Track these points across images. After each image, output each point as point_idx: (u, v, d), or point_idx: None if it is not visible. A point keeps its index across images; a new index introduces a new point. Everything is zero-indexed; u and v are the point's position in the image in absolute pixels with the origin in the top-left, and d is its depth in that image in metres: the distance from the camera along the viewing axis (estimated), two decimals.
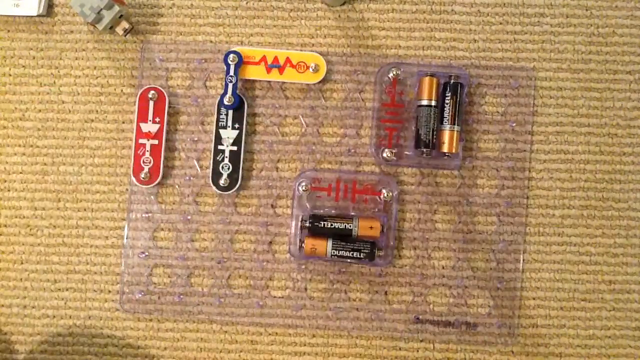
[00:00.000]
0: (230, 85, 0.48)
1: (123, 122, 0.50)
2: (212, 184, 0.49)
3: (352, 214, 0.48)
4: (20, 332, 0.49)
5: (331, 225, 0.47)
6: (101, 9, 0.48)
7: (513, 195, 0.49)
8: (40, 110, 0.50)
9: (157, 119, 0.49)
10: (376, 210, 0.48)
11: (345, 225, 0.47)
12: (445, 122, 0.47)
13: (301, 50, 0.50)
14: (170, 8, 0.51)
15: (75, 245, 0.49)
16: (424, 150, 0.47)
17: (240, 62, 0.48)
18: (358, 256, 0.46)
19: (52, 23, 0.51)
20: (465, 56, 0.50)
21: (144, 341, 0.49)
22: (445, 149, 0.47)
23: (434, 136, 0.47)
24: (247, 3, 0.51)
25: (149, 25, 0.51)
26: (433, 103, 0.47)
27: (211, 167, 0.49)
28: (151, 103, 0.48)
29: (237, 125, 0.49)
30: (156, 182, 0.48)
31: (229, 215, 0.49)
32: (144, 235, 0.49)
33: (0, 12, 0.50)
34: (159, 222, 0.49)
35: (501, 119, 0.49)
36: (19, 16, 0.51)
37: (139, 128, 0.49)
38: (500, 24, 0.50)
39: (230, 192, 0.49)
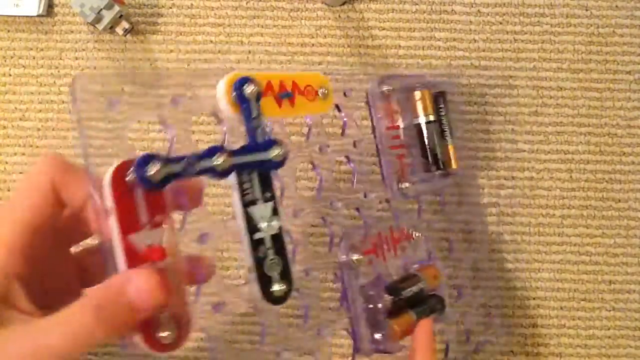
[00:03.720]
0: (261, 132, 0.30)
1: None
2: (262, 299, 0.29)
3: (413, 270, 0.39)
4: None
5: (409, 292, 0.36)
6: (101, 9, 0.48)
7: (513, 195, 0.49)
8: (40, 110, 0.50)
9: (159, 218, 0.26)
10: (409, 253, 0.40)
11: (419, 286, 0.37)
12: (447, 137, 0.43)
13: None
14: (170, 8, 0.51)
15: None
16: (438, 171, 0.42)
17: (260, 95, 0.30)
18: (436, 314, 0.38)
19: (52, 23, 0.51)
20: (465, 56, 0.50)
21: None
22: (453, 165, 0.44)
23: (445, 153, 0.43)
24: (247, 3, 0.51)
25: (149, 25, 0.51)
26: (432, 117, 0.43)
27: (254, 271, 0.29)
28: (138, 192, 0.26)
29: (268, 195, 0.30)
30: (183, 343, 0.26)
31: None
32: None
33: (0, 12, 0.50)
34: None
35: (501, 119, 0.49)
36: (19, 16, 0.51)
37: (128, 247, 0.24)
38: (500, 24, 0.50)
39: (285, 302, 0.30)
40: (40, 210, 0.25)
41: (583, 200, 0.49)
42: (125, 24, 0.49)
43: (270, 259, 0.29)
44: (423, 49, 0.50)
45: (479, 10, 0.50)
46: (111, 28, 0.49)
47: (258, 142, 0.30)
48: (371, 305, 0.35)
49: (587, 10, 0.50)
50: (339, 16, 0.50)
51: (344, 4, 0.50)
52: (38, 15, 0.50)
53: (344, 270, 0.35)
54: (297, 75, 0.33)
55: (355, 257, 0.35)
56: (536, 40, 0.50)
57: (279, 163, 0.30)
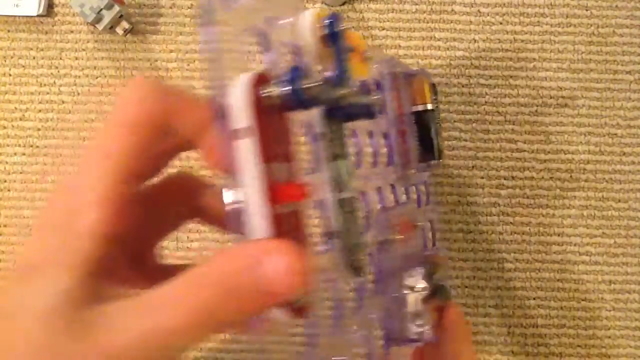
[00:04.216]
0: (346, 74, 0.25)
1: None
2: (346, 270, 0.25)
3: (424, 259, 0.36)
4: None
5: (437, 279, 0.34)
6: (101, 9, 0.48)
7: (513, 195, 0.49)
8: (40, 110, 0.50)
9: (285, 148, 0.22)
10: (417, 242, 0.38)
11: (439, 274, 0.35)
12: (440, 128, 0.41)
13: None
14: (170, 8, 0.51)
15: None
16: (439, 160, 0.41)
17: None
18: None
19: (52, 23, 0.51)
20: (465, 56, 0.50)
21: None
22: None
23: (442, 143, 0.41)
24: None
25: (149, 25, 0.51)
26: (430, 106, 0.41)
27: (339, 237, 0.24)
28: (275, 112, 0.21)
29: (347, 150, 0.25)
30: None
31: None
32: None
33: (0, 12, 0.50)
34: None
35: (501, 119, 0.49)
36: (19, 16, 0.51)
37: (271, 183, 0.19)
38: (500, 24, 0.50)
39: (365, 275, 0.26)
40: (140, 152, 0.19)
41: (583, 200, 0.49)
42: (125, 24, 0.49)
43: (355, 226, 0.24)
44: (423, 49, 0.50)
45: (479, 10, 0.50)
46: (111, 28, 0.49)
47: (357, 87, 0.26)
48: (406, 292, 0.31)
49: (587, 10, 0.50)
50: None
51: (344, 4, 0.50)
52: (38, 15, 0.50)
53: (380, 250, 0.30)
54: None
55: (393, 236, 0.31)
56: (536, 40, 0.50)
57: (374, 112, 0.25)
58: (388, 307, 0.31)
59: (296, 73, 0.20)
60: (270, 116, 0.20)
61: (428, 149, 0.41)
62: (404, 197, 0.37)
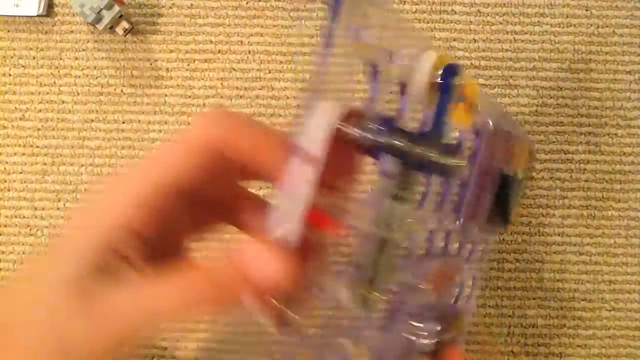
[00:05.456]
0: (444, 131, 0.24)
1: (123, 122, 0.50)
2: (354, 300, 0.24)
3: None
4: None
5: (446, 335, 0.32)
6: (101, 9, 0.48)
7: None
8: (40, 110, 0.50)
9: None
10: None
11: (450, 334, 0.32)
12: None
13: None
14: (170, 8, 0.51)
15: None
16: (506, 227, 0.36)
17: (460, 91, 0.25)
18: None
19: (52, 23, 0.51)
20: (465, 56, 0.50)
21: (143, 340, 0.49)
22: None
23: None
24: (247, 3, 0.51)
25: (149, 25, 0.51)
26: (522, 176, 0.36)
27: (362, 269, 0.24)
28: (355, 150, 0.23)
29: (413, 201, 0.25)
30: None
31: None
32: None
33: (0, 12, 0.50)
34: None
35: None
36: (19, 16, 0.51)
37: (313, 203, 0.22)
38: (500, 24, 0.50)
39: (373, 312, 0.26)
40: (193, 169, 0.22)
41: (583, 200, 0.49)
42: (125, 24, 0.49)
43: (386, 265, 0.24)
44: (423, 49, 0.50)
45: (479, 10, 0.50)
46: (111, 28, 0.49)
47: (446, 144, 0.24)
48: (413, 338, 0.30)
49: (587, 10, 0.50)
50: None
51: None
52: (38, 15, 0.50)
53: (404, 292, 0.29)
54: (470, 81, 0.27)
55: (422, 285, 0.30)
56: (536, 40, 0.50)
57: (453, 174, 0.25)
58: (386, 343, 0.30)
59: (385, 126, 0.21)
60: (343, 149, 0.21)
61: (500, 213, 0.35)
62: (455, 249, 0.34)
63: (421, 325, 0.31)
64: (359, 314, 0.27)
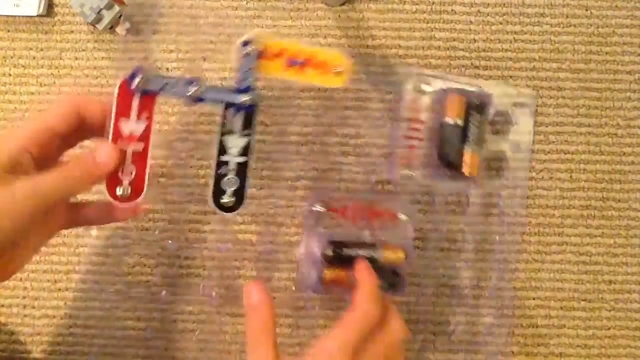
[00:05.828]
0: (247, 82, 0.39)
1: None
2: (212, 204, 0.40)
3: (375, 240, 0.44)
4: (20, 332, 0.49)
5: (356, 253, 0.43)
6: (101, 9, 0.48)
7: (513, 195, 0.49)
8: (40, 110, 0.50)
9: (144, 116, 0.38)
10: (393, 232, 0.45)
11: (371, 254, 0.43)
12: (469, 143, 0.45)
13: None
14: (170, 8, 0.51)
15: (75, 245, 0.49)
16: (448, 170, 0.45)
17: (258, 54, 0.39)
18: (381, 286, 0.42)
19: (52, 23, 0.51)
20: (465, 56, 0.50)
21: (144, 341, 0.49)
22: (466, 170, 0.45)
23: (458, 157, 0.45)
24: (247, 3, 0.51)
25: (149, 25, 0.51)
26: (460, 122, 0.46)
27: (212, 181, 0.40)
28: (136, 96, 0.37)
29: (246, 132, 0.39)
30: (139, 199, 0.38)
31: (228, 241, 0.47)
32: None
33: (0, 12, 0.50)
34: (142, 249, 0.49)
35: (501, 120, 0.49)
36: (19, 16, 0.51)
37: (116, 128, 0.37)
38: (500, 24, 0.50)
39: (234, 213, 0.40)
40: (63, 120, 0.37)
41: (583, 200, 0.49)
42: (125, 24, 0.49)
43: (228, 178, 0.39)
44: (423, 49, 0.50)
45: (479, 10, 0.50)
46: (111, 28, 0.49)
47: (239, 87, 0.39)
48: (317, 251, 0.43)
49: (587, 10, 0.50)
50: (339, 16, 0.50)
51: (344, 4, 0.50)
52: (38, 15, 0.50)
53: (305, 217, 0.44)
54: (316, 50, 0.40)
55: (317, 208, 0.44)
56: (536, 40, 0.50)
57: (248, 107, 0.39)
58: (302, 258, 0.44)
59: (133, 73, 0.38)
60: (139, 97, 0.39)
61: (442, 158, 0.46)
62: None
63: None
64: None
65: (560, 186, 0.49)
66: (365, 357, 0.36)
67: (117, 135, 0.37)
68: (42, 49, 0.51)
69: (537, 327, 0.48)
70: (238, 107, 0.39)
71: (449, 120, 0.46)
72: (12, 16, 0.51)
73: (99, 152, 0.37)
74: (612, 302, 0.48)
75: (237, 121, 0.39)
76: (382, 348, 0.37)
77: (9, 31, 0.51)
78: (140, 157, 0.38)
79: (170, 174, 0.49)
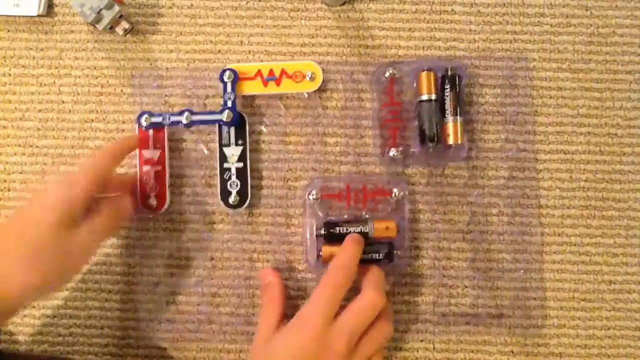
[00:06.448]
0: (229, 102, 0.47)
1: (123, 122, 0.50)
2: (221, 203, 0.48)
3: (366, 216, 0.47)
4: (20, 332, 0.49)
5: (346, 230, 0.46)
6: (101, 9, 0.48)
7: (513, 195, 0.49)
8: (40, 110, 0.50)
9: (158, 145, 0.48)
10: (389, 210, 0.48)
11: (361, 228, 0.46)
12: (448, 115, 0.47)
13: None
14: (170, 8, 0.51)
15: None
16: (430, 144, 0.47)
17: (236, 78, 0.48)
18: (377, 257, 0.46)
19: (52, 23, 0.51)
20: (465, 56, 0.49)
21: (144, 341, 0.49)
22: (450, 140, 0.47)
23: (438, 130, 0.47)
24: (247, 3, 0.51)
25: (149, 25, 0.51)
26: (433, 97, 0.47)
27: (219, 186, 0.48)
28: (150, 132, 0.48)
29: (240, 142, 0.48)
30: (164, 208, 0.48)
31: (243, 234, 0.49)
32: (156, 262, 0.49)
33: (0, 12, 0.50)
34: (171, 250, 0.49)
35: (502, 119, 0.49)
36: (19, 16, 0.51)
37: (141, 156, 0.48)
38: (500, 24, 0.50)
39: (240, 209, 0.48)
40: (95, 182, 0.42)
41: (583, 200, 0.49)
42: (125, 24, 0.49)
43: (232, 181, 0.48)
44: (423, 49, 0.50)
45: (479, 10, 0.50)
46: (111, 28, 0.49)
47: (221, 109, 0.48)
48: (314, 232, 0.47)
49: (587, 10, 0.50)
50: (339, 16, 0.50)
51: (344, 4, 0.50)
52: (38, 15, 0.50)
53: (305, 205, 0.48)
54: (288, 64, 0.49)
55: (312, 196, 0.47)
56: (536, 40, 0.50)
57: (228, 122, 0.47)
58: (304, 239, 0.49)
59: (140, 114, 0.48)
60: (153, 132, 0.50)
61: (421, 133, 0.48)
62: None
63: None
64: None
65: (560, 186, 0.49)
66: (362, 345, 0.41)
67: (142, 161, 0.48)
68: (42, 49, 0.51)
69: (537, 327, 0.48)
70: (225, 124, 0.48)
71: (424, 97, 0.47)
72: (12, 16, 0.51)
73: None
74: (612, 302, 0.48)
75: (230, 135, 0.48)
76: (381, 338, 0.42)
77: (9, 31, 0.51)
78: (161, 176, 0.48)
79: (181, 182, 0.49)
